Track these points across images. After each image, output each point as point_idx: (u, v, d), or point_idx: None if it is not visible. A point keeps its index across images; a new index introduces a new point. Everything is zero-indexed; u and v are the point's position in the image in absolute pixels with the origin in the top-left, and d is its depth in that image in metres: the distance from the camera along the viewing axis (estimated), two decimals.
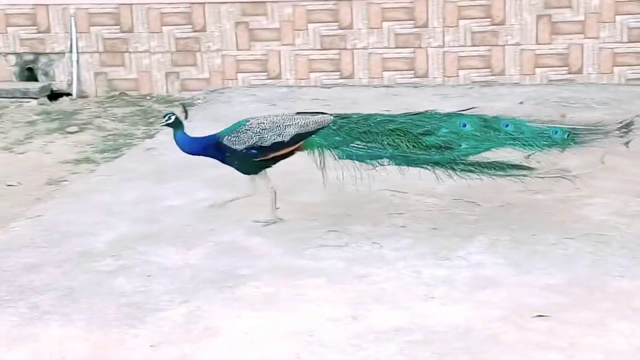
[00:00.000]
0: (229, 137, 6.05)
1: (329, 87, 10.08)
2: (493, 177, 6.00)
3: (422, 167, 6.05)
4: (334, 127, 6.04)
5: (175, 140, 6.12)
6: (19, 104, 9.95)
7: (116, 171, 7.51)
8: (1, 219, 6.57)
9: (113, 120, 9.36)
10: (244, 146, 6.03)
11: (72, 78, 10.25)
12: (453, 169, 5.96)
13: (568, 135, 5.90)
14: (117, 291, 5.20)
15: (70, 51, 10.20)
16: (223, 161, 6.20)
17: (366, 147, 5.99)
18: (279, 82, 10.25)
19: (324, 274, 5.34)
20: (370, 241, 5.82)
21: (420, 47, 10.07)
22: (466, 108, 6.30)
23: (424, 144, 5.95)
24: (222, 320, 4.82)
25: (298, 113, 6.28)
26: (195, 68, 10.27)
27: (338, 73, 10.22)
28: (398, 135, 5.97)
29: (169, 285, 5.25)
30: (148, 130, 8.94)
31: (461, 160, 5.94)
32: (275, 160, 6.14)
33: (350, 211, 6.32)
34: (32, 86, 10.20)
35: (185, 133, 6.12)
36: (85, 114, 9.64)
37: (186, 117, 6.15)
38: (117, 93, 10.28)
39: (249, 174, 6.20)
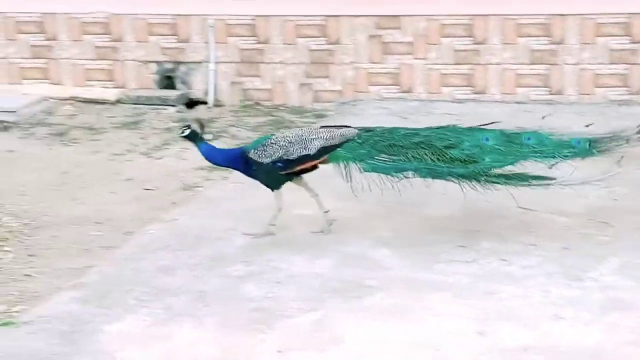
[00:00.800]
0: (256, 151, 6.17)
1: (461, 102, 10.02)
2: (517, 187, 6.03)
3: (447, 180, 6.09)
4: (359, 141, 6.13)
5: (200, 151, 6.31)
6: (157, 111, 10.26)
7: (248, 179, 7.66)
8: (139, 222, 6.80)
9: (247, 129, 9.56)
10: (270, 159, 6.14)
11: (208, 87, 10.51)
12: (477, 181, 6.01)
13: (590, 144, 5.94)
14: (246, 296, 5.33)
15: (208, 61, 10.46)
16: (248, 174, 6.32)
17: (391, 160, 6.07)
18: (411, 95, 10.25)
19: (451, 289, 5.34)
20: (499, 258, 5.78)
21: (555, 64, 9.92)
22: (488, 122, 6.30)
23: (448, 157, 6.01)
24: (348, 329, 4.88)
25: (323, 127, 6.39)
26: (328, 80, 10.37)
27: (471, 88, 10.15)
28: (422, 148, 6.05)
29: (297, 293, 5.34)
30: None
31: (485, 173, 5.98)
32: (301, 173, 6.24)
33: (479, 227, 6.29)
34: (171, 94, 10.50)
35: (210, 144, 6.35)
36: (220, 122, 9.86)
37: (203, 132, 6.32)
38: (251, 102, 10.48)
39: (274, 188, 6.30)
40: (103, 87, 10.69)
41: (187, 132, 6.27)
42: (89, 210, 7.05)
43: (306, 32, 10.29)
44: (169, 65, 10.63)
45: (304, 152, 6.14)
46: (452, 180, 6.07)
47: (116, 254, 6.15)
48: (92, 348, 4.76)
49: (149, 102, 10.41)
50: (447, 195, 6.13)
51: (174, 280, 5.59)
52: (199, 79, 10.56)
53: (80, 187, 7.66)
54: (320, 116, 9.95)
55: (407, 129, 6.39)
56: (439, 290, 5.32)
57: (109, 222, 6.84)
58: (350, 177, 6.15)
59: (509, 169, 6.04)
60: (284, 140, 6.17)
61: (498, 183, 6.04)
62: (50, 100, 10.45)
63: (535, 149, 6.02)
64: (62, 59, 10.73)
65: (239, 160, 6.26)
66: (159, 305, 5.25)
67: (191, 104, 10.56)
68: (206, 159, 6.38)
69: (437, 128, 6.28)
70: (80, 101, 10.48)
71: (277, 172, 6.19)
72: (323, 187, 7.00)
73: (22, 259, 6.13)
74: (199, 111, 10.34)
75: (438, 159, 6.02)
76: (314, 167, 6.26)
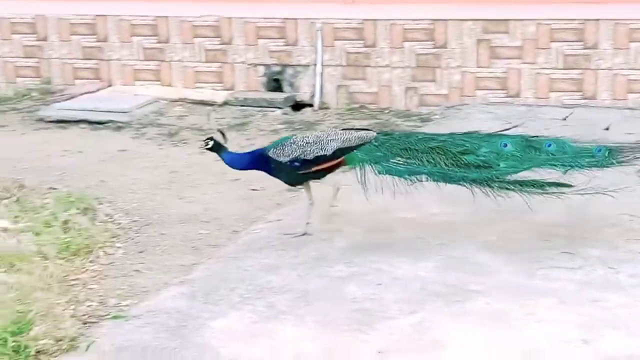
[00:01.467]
0: (275, 150, 6.29)
1: (570, 107, 9.87)
2: (531, 194, 5.96)
3: (460, 184, 6.10)
4: (375, 143, 6.21)
5: (225, 161, 6.40)
6: (264, 112, 10.41)
7: (354, 181, 7.70)
8: (244, 221, 6.92)
9: None
10: (288, 158, 6.25)
11: (315, 90, 10.61)
12: (490, 186, 6.00)
13: (609, 153, 5.89)
14: (348, 297, 5.36)
15: (315, 64, 10.57)
16: (270, 173, 6.42)
17: (406, 164, 6.13)
18: (518, 100, 10.15)
19: (556, 295, 5.27)
20: (606, 266, 5.67)
21: None
22: (508, 127, 6.32)
23: (463, 162, 6.04)
24: (449, 334, 4.86)
25: (344, 129, 6.45)
26: (434, 84, 10.35)
27: (580, 93, 9.99)
28: (437, 153, 6.09)
29: (399, 295, 5.35)
30: None
31: (498, 179, 5.98)
32: (320, 173, 6.32)
33: (586, 234, 6.19)
34: (278, 96, 10.64)
35: (231, 152, 6.41)
36: (326, 125, 9.94)
37: (225, 141, 6.39)
38: (357, 106, 10.54)
39: (294, 186, 6.53)
40: (212, 89, 10.91)
41: (211, 143, 6.38)
42: (197, 209, 7.21)
43: (413, 35, 10.29)
44: (277, 68, 10.77)
45: (321, 153, 6.25)
46: (465, 185, 6.09)
47: (222, 252, 6.27)
48: (197, 343, 4.87)
49: (256, 104, 10.58)
50: (554, 201, 6.05)
51: (278, 279, 5.67)
52: (305, 82, 10.67)
53: (189, 186, 7.84)
54: (425, 120, 9.94)
55: (425, 134, 6.49)
56: (543, 297, 5.25)
57: (216, 220, 6.98)
58: (365, 179, 6.23)
59: (523, 174, 5.99)
60: (303, 141, 6.29)
61: (511, 189, 6.01)
62: (162, 101, 10.71)
63: (555, 156, 5.99)
64: (173, 61, 11.00)
65: (260, 161, 6.38)
66: (262, 303, 5.33)
67: (297, 106, 10.68)
68: (230, 166, 6.51)
69: (457, 134, 6.32)
70: (190, 102, 10.72)
71: (294, 172, 6.30)
72: (428, 190, 7.00)
73: (132, 255, 6.31)
74: (305, 114, 10.46)
75: (452, 164, 6.05)
76: (333, 168, 6.32)
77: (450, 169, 6.05)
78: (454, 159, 6.07)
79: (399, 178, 6.18)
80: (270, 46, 10.71)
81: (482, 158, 6.05)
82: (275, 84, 10.82)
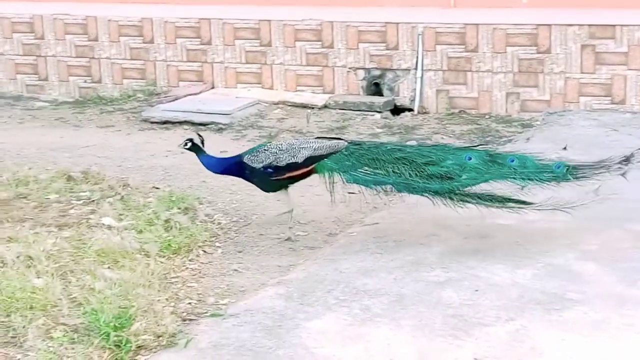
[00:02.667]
0: (250, 156, 6.53)
1: None
2: (490, 207, 6.17)
3: (422, 195, 6.31)
4: (345, 153, 6.42)
5: (202, 163, 6.65)
6: (363, 116, 10.43)
7: (576, 192, 7.62)
8: (341, 224, 6.96)
9: (451, 137, 9.56)
10: (261, 165, 6.49)
11: (415, 94, 10.59)
12: (451, 198, 6.20)
13: (567, 170, 6.09)
14: (444, 302, 5.34)
15: (416, 68, 10.54)
16: (246, 179, 6.66)
17: (372, 173, 6.33)
18: (623, 107, 9.94)
19: None
20: None
21: None
22: (477, 144, 6.60)
23: (426, 173, 6.23)
24: (548, 342, 4.80)
25: (317, 138, 6.68)
26: (537, 89, 10.22)
27: None
28: (403, 164, 6.29)
29: (496, 302, 5.30)
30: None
31: (459, 190, 6.17)
32: (292, 180, 6.56)
33: None
34: (377, 100, 10.65)
35: (210, 155, 6.68)
36: (425, 129, 9.92)
37: (203, 144, 6.67)
38: (456, 111, 10.48)
39: (268, 192, 6.74)
40: (312, 92, 10.99)
41: (189, 144, 6.65)
42: (295, 211, 7.26)
43: (516, 40, 10.18)
44: (377, 72, 10.79)
45: (292, 160, 6.46)
46: (427, 196, 6.28)
47: (319, 254, 6.31)
48: (293, 343, 4.91)
49: (355, 107, 10.61)
50: None
51: (373, 282, 5.68)
52: (405, 86, 10.66)
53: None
54: (526, 126, 9.82)
55: (394, 144, 6.76)
56: None
57: (313, 223, 7.03)
58: (333, 187, 6.47)
59: (484, 187, 6.19)
60: (276, 148, 6.52)
61: (470, 202, 6.19)
62: (262, 103, 10.84)
63: (516, 170, 6.15)
64: (275, 64, 11.11)
65: (237, 167, 6.60)
66: (358, 306, 5.35)
67: (397, 110, 10.67)
68: (207, 168, 6.75)
69: (425, 147, 6.62)
70: (290, 105, 10.82)
71: (268, 178, 6.53)
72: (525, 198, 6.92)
73: (230, 255, 6.40)
74: (404, 118, 10.44)
75: (416, 175, 6.24)
76: (304, 175, 6.54)
77: (414, 179, 6.25)
78: (418, 169, 6.26)
79: (366, 187, 6.42)
80: (370, 50, 10.73)
81: (445, 169, 6.22)
82: (375, 88, 10.84)
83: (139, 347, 4.88)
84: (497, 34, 10.25)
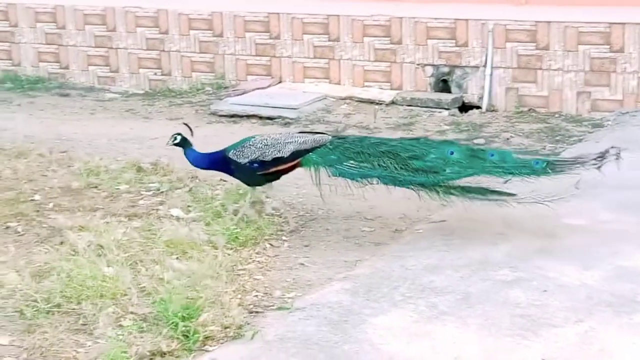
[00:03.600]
0: (235, 152, 6.57)
1: None
2: (473, 200, 6.32)
3: (408, 188, 6.44)
4: (330, 147, 6.50)
5: (187, 158, 6.68)
6: (431, 113, 10.38)
7: (558, 185, 7.55)
8: (408, 221, 6.94)
9: (520, 135, 9.47)
10: (247, 160, 6.53)
11: (483, 92, 10.51)
12: (437, 191, 6.34)
13: (546, 165, 6.26)
14: (512, 301, 5.30)
15: (485, 65, 10.46)
16: (230, 174, 6.74)
17: (358, 167, 6.43)
18: None
19: None
20: None
21: None
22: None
23: (411, 167, 6.35)
24: (617, 345, 4.74)
25: (300, 132, 6.78)
26: (608, 89, 10.07)
27: None
28: (388, 157, 6.40)
29: (565, 303, 5.24)
30: (554, 147, 8.93)
31: (444, 183, 6.31)
32: (278, 174, 6.63)
33: None
34: (445, 97, 10.59)
35: (195, 150, 6.67)
36: (493, 127, 9.84)
37: (192, 135, 6.67)
38: (526, 109, 10.37)
39: (253, 186, 6.75)
40: (380, 88, 10.97)
41: (179, 138, 6.65)
42: (361, 207, 7.26)
43: (588, 39, 10.04)
44: (445, 69, 10.73)
45: (278, 155, 6.51)
46: (412, 189, 6.43)
47: (385, 250, 6.30)
48: (358, 338, 4.92)
49: (423, 104, 10.57)
50: None
51: (440, 279, 5.66)
52: (474, 83, 10.59)
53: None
54: (597, 126, 9.68)
55: (377, 138, 6.84)
56: None
57: (380, 219, 7.02)
58: (320, 181, 6.53)
59: (467, 180, 6.38)
60: (261, 143, 6.56)
61: (455, 195, 6.34)
62: (329, 98, 10.85)
63: (496, 165, 6.32)
64: (343, 59, 11.12)
65: (221, 162, 6.63)
66: (423, 303, 5.34)
67: (464, 108, 10.60)
68: (191, 163, 6.78)
69: (408, 139, 6.75)
70: (357, 101, 10.81)
71: (253, 172, 6.58)
72: (599, 197, 6.83)
73: (297, 249, 6.42)
74: (472, 115, 10.37)
75: (401, 168, 6.35)
76: (289, 169, 6.62)
77: (400, 172, 6.36)
78: (403, 163, 6.37)
79: (351, 180, 6.51)
80: (439, 46, 10.68)
81: (429, 164, 6.35)
82: (443, 85, 10.78)
83: (206, 337, 4.93)
84: (569, 32, 10.11)
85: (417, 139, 6.80)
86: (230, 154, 6.62)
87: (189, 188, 7.46)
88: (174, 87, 11.91)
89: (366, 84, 11.08)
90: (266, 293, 5.62)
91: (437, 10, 10.90)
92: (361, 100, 10.81)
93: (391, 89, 10.92)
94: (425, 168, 6.35)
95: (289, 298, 5.53)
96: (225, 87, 11.63)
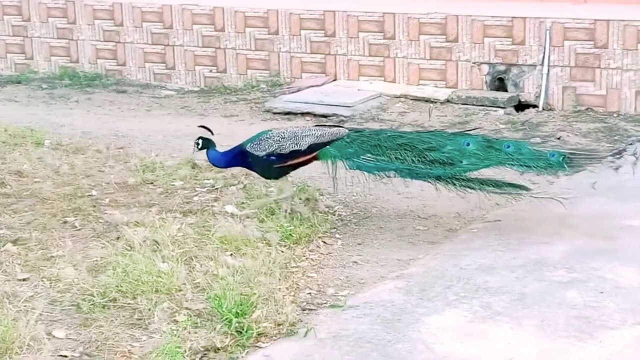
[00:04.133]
0: (252, 145, 6.60)
1: None
2: (490, 192, 6.43)
3: (425, 180, 6.53)
4: (347, 140, 6.54)
5: (209, 160, 6.73)
6: (486, 112, 10.30)
7: (576, 185, 7.51)
8: (462, 220, 6.90)
9: (577, 134, 9.35)
10: (264, 152, 6.56)
11: (540, 90, 10.40)
12: (454, 183, 6.41)
13: (563, 159, 6.24)
14: (568, 303, 5.24)
15: (542, 64, 10.35)
16: (249, 167, 6.78)
17: (375, 160, 6.48)
18: None
19: None
20: None
21: None
22: (471, 128, 7.00)
23: (428, 159, 6.39)
24: None
25: (317, 125, 6.81)
26: None
27: None
28: (405, 150, 6.43)
29: (621, 305, 5.17)
30: (611, 147, 8.80)
31: (461, 175, 6.37)
32: (295, 167, 6.67)
33: None
34: (501, 96, 10.49)
35: (215, 150, 6.68)
36: (549, 126, 9.73)
37: (212, 134, 6.69)
38: (583, 108, 10.23)
39: (270, 179, 6.83)
40: (435, 86, 10.91)
41: (201, 142, 6.67)
42: (415, 205, 7.24)
43: None
44: (501, 67, 10.64)
45: (296, 147, 6.54)
46: (429, 181, 6.51)
47: (439, 249, 6.27)
48: (411, 337, 4.90)
49: (478, 103, 10.49)
50: None
51: (494, 279, 5.62)
52: (530, 82, 10.48)
53: (407, 182, 7.85)
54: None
55: (394, 131, 6.90)
56: None
57: (433, 218, 6.99)
58: (336, 173, 6.63)
59: (484, 172, 6.43)
60: (279, 136, 6.60)
61: (472, 187, 6.42)
62: (384, 97, 10.82)
63: (512, 157, 6.34)
64: (398, 57, 11.08)
65: (240, 157, 6.65)
66: (478, 303, 5.30)
67: (521, 106, 10.50)
68: (212, 164, 6.82)
69: (424, 132, 6.81)
70: (411, 99, 10.76)
71: (271, 165, 6.60)
72: None
73: (350, 247, 6.42)
74: (528, 114, 10.26)
75: (418, 161, 6.40)
76: (306, 162, 6.67)
77: (417, 165, 6.40)
78: (420, 155, 6.41)
79: (369, 173, 6.58)
80: (496, 45, 10.58)
81: (447, 155, 6.38)
82: (499, 83, 10.69)
83: (260, 334, 4.95)
84: (628, 31, 9.96)
85: (433, 131, 6.85)
86: (248, 147, 6.65)
87: (243, 185, 7.50)
88: (229, 85, 11.96)
89: (421, 82, 11.02)
90: (319, 291, 5.63)
91: (494, 9, 10.81)
92: (416, 99, 10.76)
93: (446, 87, 10.85)
94: (443, 159, 6.40)
95: (342, 296, 5.53)
96: (280, 85, 11.66)
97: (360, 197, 7.44)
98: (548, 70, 10.31)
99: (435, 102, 10.59)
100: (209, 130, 6.78)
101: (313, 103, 10.56)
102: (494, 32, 10.57)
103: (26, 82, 12.50)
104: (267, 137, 6.65)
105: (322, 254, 6.27)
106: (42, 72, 12.99)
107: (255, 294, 5.25)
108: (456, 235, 6.57)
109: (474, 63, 10.75)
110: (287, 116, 10.43)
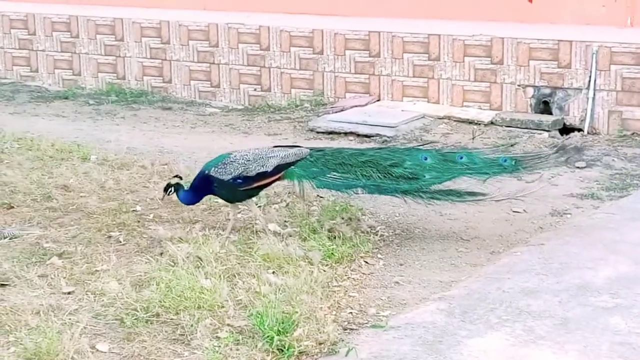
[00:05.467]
0: (216, 169, 6.57)
1: None
2: (454, 202, 6.80)
3: (394, 195, 6.81)
4: (311, 159, 6.68)
5: (181, 201, 6.70)
6: (530, 134, 10.24)
7: (621, 210, 7.46)
8: (505, 243, 6.86)
9: (622, 159, 9.28)
10: (230, 176, 6.54)
11: (585, 114, 10.33)
12: (421, 196, 6.69)
13: (516, 162, 6.69)
14: (612, 328, 5.20)
15: (588, 88, 10.29)
16: (213, 193, 6.73)
17: (342, 178, 6.64)
18: None
19: None
20: None
21: None
22: (423, 143, 7.47)
23: (393, 175, 6.62)
24: None
25: (276, 146, 6.87)
26: None
27: None
28: (370, 166, 6.64)
29: None
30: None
31: (426, 189, 6.63)
32: (260, 189, 6.72)
33: None
34: (546, 119, 10.44)
35: (184, 189, 6.65)
36: (594, 151, 9.65)
37: (181, 178, 6.73)
38: (629, 133, 10.14)
39: (234, 202, 6.79)
40: (479, 108, 10.89)
41: (172, 189, 6.62)
42: (457, 227, 7.22)
43: None
44: (547, 90, 10.59)
45: (262, 169, 6.59)
46: (397, 196, 6.79)
47: (481, 272, 6.25)
48: (454, 359, 4.88)
49: (522, 125, 10.44)
50: None
51: (537, 303, 5.58)
52: (575, 106, 10.42)
53: (450, 204, 7.83)
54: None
55: (355, 149, 7.04)
56: None
57: (476, 240, 6.96)
58: (304, 193, 6.76)
59: (447, 184, 6.71)
60: (243, 159, 6.61)
61: (438, 198, 6.72)
62: (428, 118, 10.82)
63: (469, 167, 6.66)
64: (442, 79, 11.08)
65: (204, 184, 6.61)
66: (520, 327, 5.27)
67: (565, 130, 10.43)
68: (185, 204, 6.80)
69: (379, 149, 7.00)
70: (455, 120, 10.74)
71: (237, 188, 6.58)
72: None
73: (392, 267, 6.42)
74: (573, 138, 10.19)
75: (384, 177, 6.60)
76: (271, 183, 6.74)
77: (383, 181, 6.61)
78: (385, 171, 6.63)
79: (337, 191, 6.82)
80: (541, 67, 10.54)
81: (409, 170, 6.64)
82: (543, 107, 10.63)
83: (301, 352, 4.97)
84: None
85: (388, 148, 7.08)
86: (212, 172, 6.60)
87: (286, 203, 7.53)
88: (273, 103, 12.03)
89: (465, 103, 11.00)
90: (361, 310, 5.63)
91: (540, 32, 10.78)
92: (459, 120, 10.74)
93: (490, 109, 10.81)
94: (407, 174, 6.63)
95: (383, 316, 5.53)
96: (324, 104, 11.69)
97: (403, 217, 7.44)
98: (594, 94, 10.24)
99: (479, 124, 10.56)
100: (180, 178, 6.78)
101: (356, 123, 10.58)
102: (539, 55, 10.54)
103: (73, 97, 12.66)
104: (231, 161, 6.62)
105: (363, 273, 6.27)
106: (89, 88, 13.16)
107: (297, 312, 5.26)
108: (499, 258, 6.54)
109: (519, 85, 10.71)
110: (331, 135, 10.46)
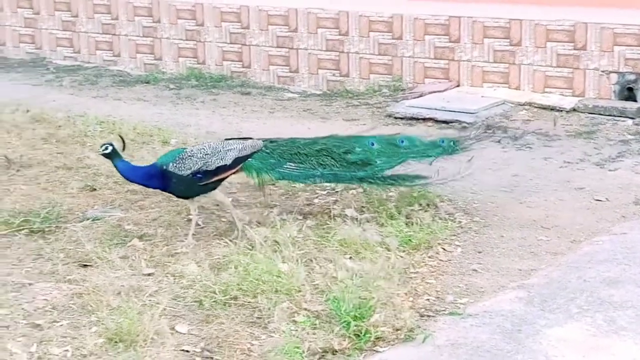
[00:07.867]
0: (174, 164, 6.37)
1: None
2: (407, 187, 6.98)
3: (351, 183, 6.93)
4: (267, 150, 6.61)
5: (117, 169, 6.44)
6: (614, 122, 10.04)
7: None
8: (586, 231, 6.75)
9: None
10: (189, 171, 6.38)
11: None
12: (377, 183, 6.80)
13: (454, 143, 6.98)
14: None
15: None
16: (164, 189, 6.53)
17: (298, 168, 6.61)
18: None
19: None
20: None
21: None
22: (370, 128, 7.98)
23: (348, 162, 6.68)
24: None
25: (227, 139, 6.75)
26: None
27: None
28: (325, 155, 6.67)
29: None
30: None
31: (381, 174, 6.73)
32: (217, 183, 6.54)
33: None
34: (630, 106, 10.20)
35: (126, 161, 6.45)
36: None
37: (124, 148, 6.53)
38: None
39: (191, 197, 6.53)
40: (560, 94, 10.70)
41: (110, 148, 6.38)
42: (537, 215, 7.12)
43: None
44: (631, 77, 10.36)
45: (221, 163, 6.45)
46: (354, 184, 6.94)
47: (562, 260, 6.15)
48: (532, 349, 4.82)
49: (605, 112, 10.24)
50: None
51: (620, 293, 5.48)
52: None
53: (530, 191, 7.74)
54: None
55: (308, 138, 6.97)
56: None
57: (556, 228, 6.86)
58: (263, 186, 6.74)
59: (397, 169, 6.80)
60: (201, 153, 6.45)
61: (392, 184, 6.88)
62: (508, 104, 10.67)
63: (412, 150, 6.84)
64: (523, 64, 10.92)
65: (156, 176, 6.40)
66: (601, 317, 5.18)
67: None
68: (122, 176, 6.55)
69: (327, 137, 6.90)
70: (536, 107, 10.58)
71: (196, 183, 6.42)
72: None
73: (470, 255, 6.36)
74: None
75: (340, 165, 6.65)
76: (226, 177, 6.61)
77: (339, 169, 6.65)
78: (340, 158, 6.66)
79: (296, 182, 6.88)
80: (626, 53, 10.31)
81: (361, 156, 6.70)
82: (628, 93, 10.40)
83: (377, 338, 4.96)
84: None
85: (331, 135, 7.01)
86: (170, 168, 6.40)
87: (363, 189, 7.51)
88: (351, 88, 12.00)
89: (546, 90, 10.83)
90: (438, 297, 5.60)
91: (625, 16, 10.54)
92: (541, 107, 10.57)
93: (572, 96, 10.62)
94: (360, 161, 6.69)
95: (461, 304, 5.49)
96: (402, 90, 11.63)
97: (481, 204, 7.36)
98: None
99: (561, 111, 10.38)
100: (123, 142, 6.63)
101: (435, 109, 10.49)
102: (624, 41, 10.31)
103: (154, 82, 12.82)
104: (188, 156, 6.45)
105: (441, 260, 6.23)
106: (169, 73, 13.31)
107: (373, 298, 5.26)
108: (580, 247, 6.43)
109: (602, 72, 10.50)
110: (409, 121, 10.40)
